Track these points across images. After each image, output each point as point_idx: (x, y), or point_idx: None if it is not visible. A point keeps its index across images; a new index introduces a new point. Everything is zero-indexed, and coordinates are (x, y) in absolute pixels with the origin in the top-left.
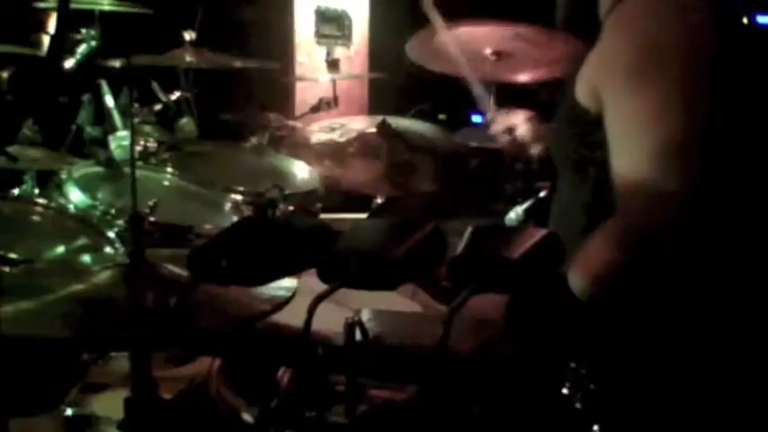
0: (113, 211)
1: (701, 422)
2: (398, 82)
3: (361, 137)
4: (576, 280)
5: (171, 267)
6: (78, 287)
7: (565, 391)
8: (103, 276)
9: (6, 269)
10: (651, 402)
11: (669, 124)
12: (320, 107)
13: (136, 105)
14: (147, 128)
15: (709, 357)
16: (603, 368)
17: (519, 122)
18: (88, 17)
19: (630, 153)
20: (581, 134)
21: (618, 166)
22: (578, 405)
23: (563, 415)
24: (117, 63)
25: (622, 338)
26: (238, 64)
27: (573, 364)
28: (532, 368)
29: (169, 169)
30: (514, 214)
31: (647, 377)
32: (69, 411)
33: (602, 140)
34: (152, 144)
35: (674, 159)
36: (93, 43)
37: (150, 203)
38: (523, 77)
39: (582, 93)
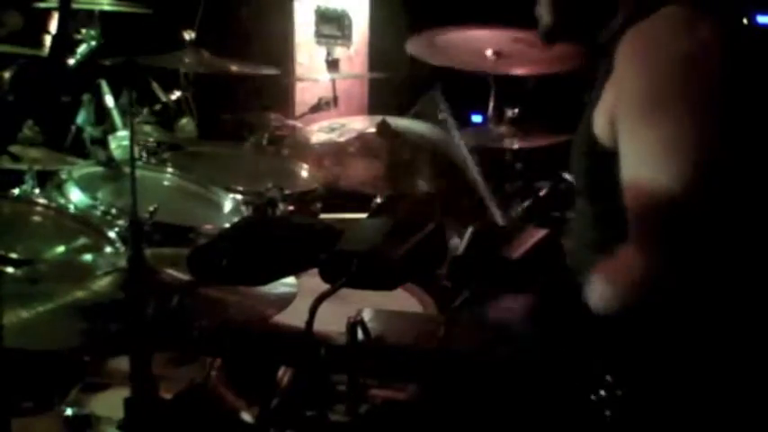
0: (113, 211)
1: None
2: (398, 82)
3: (361, 137)
4: (605, 289)
5: (171, 270)
6: (79, 294)
7: (594, 397)
8: (103, 282)
9: (7, 269)
10: (675, 407)
11: (681, 156)
12: (320, 107)
13: (136, 105)
14: (147, 128)
15: (727, 361)
16: (631, 374)
17: None
18: (88, 17)
19: (644, 182)
20: (597, 167)
21: (630, 192)
22: (607, 412)
23: (591, 421)
24: (117, 63)
25: (647, 344)
26: (236, 68)
27: (603, 373)
28: (561, 374)
29: (169, 169)
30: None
31: (672, 382)
32: (69, 411)
33: (618, 174)
34: (152, 144)
35: (685, 186)
36: (94, 43)
37: (150, 209)
38: (520, 71)
39: (599, 127)
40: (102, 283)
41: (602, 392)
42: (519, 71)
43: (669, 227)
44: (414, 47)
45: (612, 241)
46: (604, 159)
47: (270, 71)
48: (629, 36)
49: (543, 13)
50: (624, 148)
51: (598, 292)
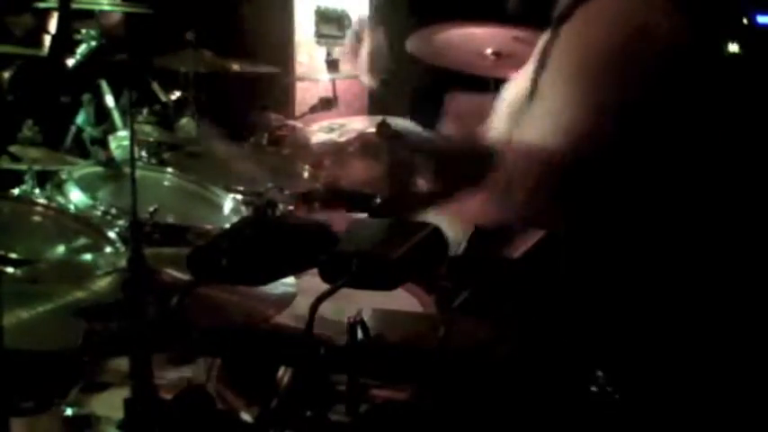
0: (113, 211)
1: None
2: (398, 82)
3: (361, 137)
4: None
5: (170, 270)
6: (78, 294)
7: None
8: (103, 282)
9: (7, 269)
10: (666, 400)
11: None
12: (320, 107)
13: (136, 105)
14: (147, 128)
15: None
16: (621, 371)
17: None
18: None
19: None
20: None
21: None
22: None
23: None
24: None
25: (636, 340)
26: (237, 68)
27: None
28: (557, 371)
29: (169, 169)
30: None
31: (662, 378)
32: (69, 411)
33: None
34: (152, 144)
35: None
36: (94, 43)
37: (150, 209)
38: None
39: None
40: (102, 283)
41: (596, 389)
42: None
43: (535, 183)
44: (413, 45)
45: None
46: None
47: (270, 70)
48: (579, 12)
49: None
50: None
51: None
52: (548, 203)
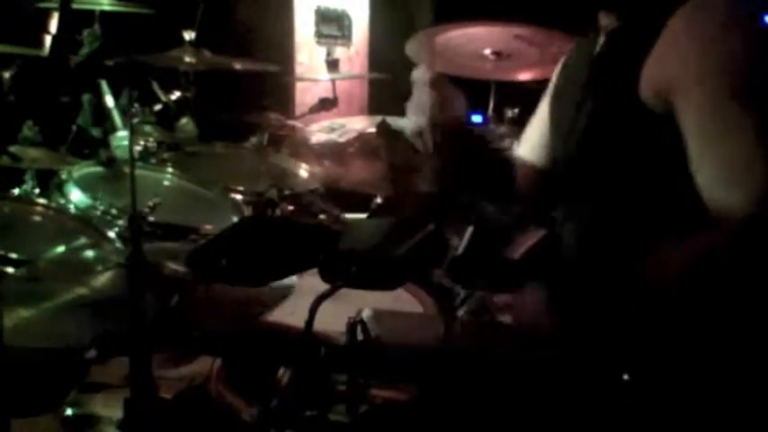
0: (113, 211)
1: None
2: (398, 82)
3: (361, 137)
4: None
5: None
6: (78, 291)
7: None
8: (103, 278)
9: (7, 269)
10: (692, 404)
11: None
12: (320, 107)
13: (136, 105)
14: (147, 128)
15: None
16: (648, 373)
17: None
18: (89, 17)
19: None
20: (642, 136)
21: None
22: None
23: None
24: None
25: (665, 341)
26: (238, 66)
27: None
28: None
29: (169, 169)
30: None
31: (689, 381)
32: (69, 411)
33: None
34: (152, 144)
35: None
36: (94, 43)
37: (150, 203)
38: (523, 76)
39: (647, 96)
40: (102, 279)
41: (619, 391)
42: (518, 76)
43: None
44: (412, 50)
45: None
46: (652, 128)
47: (271, 68)
48: (683, 11)
49: None
50: (704, 129)
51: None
52: None
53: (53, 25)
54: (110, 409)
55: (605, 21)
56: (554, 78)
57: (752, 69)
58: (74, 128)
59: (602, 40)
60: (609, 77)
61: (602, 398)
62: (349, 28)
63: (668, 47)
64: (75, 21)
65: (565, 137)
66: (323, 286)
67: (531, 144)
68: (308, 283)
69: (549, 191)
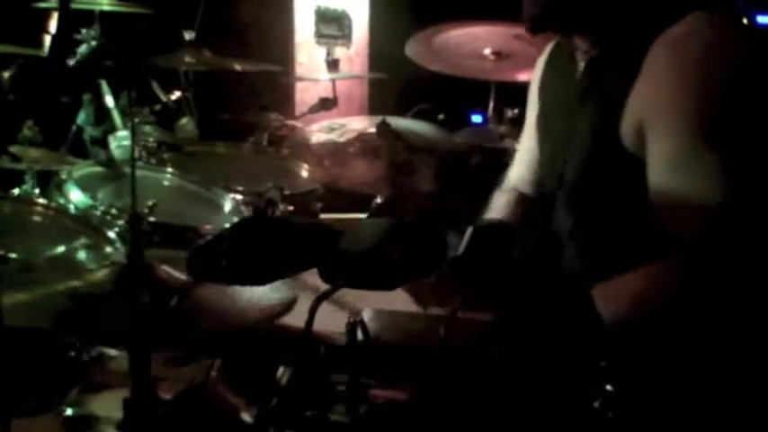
0: (113, 211)
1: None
2: (398, 82)
3: (361, 137)
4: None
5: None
6: (76, 283)
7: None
8: (101, 275)
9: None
10: (669, 403)
11: (739, 177)
12: (320, 107)
13: (136, 105)
14: (147, 128)
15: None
16: (622, 369)
17: None
18: (88, 17)
19: (696, 197)
20: (618, 172)
21: (679, 207)
22: (597, 405)
23: (583, 415)
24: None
25: (644, 344)
26: (238, 66)
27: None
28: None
29: (169, 169)
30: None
31: (667, 379)
32: (69, 411)
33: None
34: (152, 144)
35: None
36: (94, 43)
37: (149, 203)
38: (523, 76)
39: (627, 133)
40: (100, 276)
41: (602, 395)
42: (518, 76)
43: (718, 243)
44: (412, 50)
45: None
46: (628, 165)
47: (271, 68)
48: (663, 42)
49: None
50: (668, 159)
51: (626, 309)
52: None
53: (53, 25)
54: (110, 409)
55: (581, 43)
56: (535, 93)
57: (723, 107)
58: (74, 128)
59: (581, 66)
60: (593, 116)
61: (584, 401)
62: (349, 28)
63: (646, 82)
64: (74, 21)
65: (553, 166)
66: (323, 286)
67: (519, 171)
68: (310, 283)
69: (533, 215)
